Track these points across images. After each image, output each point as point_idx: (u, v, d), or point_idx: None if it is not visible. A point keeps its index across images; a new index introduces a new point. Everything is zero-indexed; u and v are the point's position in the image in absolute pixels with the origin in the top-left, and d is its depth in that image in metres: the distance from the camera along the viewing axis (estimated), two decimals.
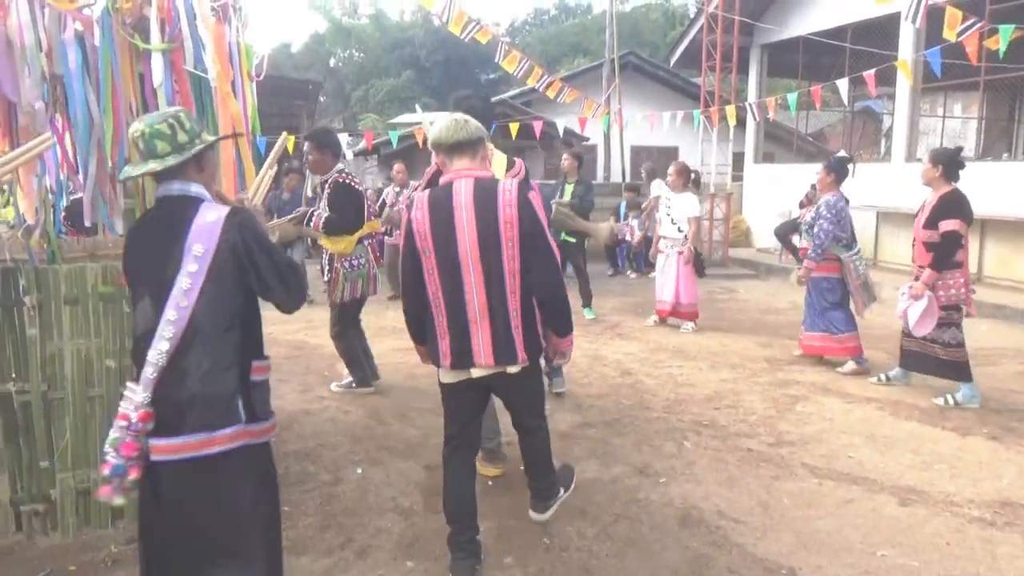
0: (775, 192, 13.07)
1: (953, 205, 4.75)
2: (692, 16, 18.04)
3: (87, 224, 3.33)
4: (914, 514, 3.36)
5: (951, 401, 4.84)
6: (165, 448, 1.98)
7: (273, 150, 3.46)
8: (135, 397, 1.98)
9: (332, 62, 41.60)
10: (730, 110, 10.35)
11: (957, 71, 10.14)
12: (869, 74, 7.96)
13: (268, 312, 2.24)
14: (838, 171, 5.70)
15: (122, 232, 3.23)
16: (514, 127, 10.91)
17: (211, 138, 2.23)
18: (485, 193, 2.65)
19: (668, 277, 7.23)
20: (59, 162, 3.65)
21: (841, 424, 4.53)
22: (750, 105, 11.18)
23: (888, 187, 10.89)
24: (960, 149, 5.08)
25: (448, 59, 35.80)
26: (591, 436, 4.30)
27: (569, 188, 7.49)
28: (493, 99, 13.26)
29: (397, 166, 9.20)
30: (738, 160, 14.37)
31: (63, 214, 4.64)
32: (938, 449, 4.13)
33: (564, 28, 41.31)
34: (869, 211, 10.90)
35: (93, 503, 3.10)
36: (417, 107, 5.66)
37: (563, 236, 6.91)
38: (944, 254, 4.73)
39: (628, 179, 15.01)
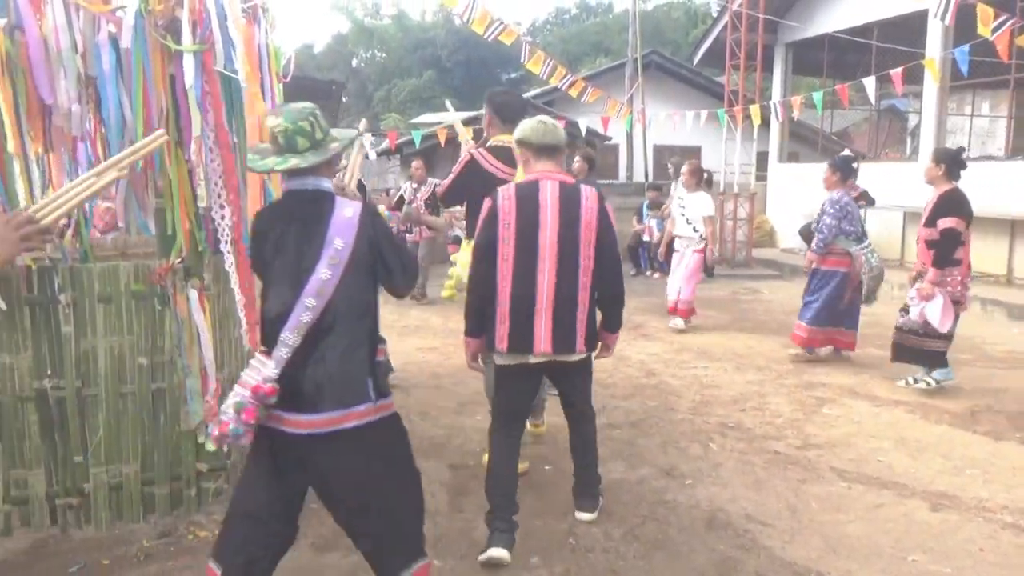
0: (799, 192, 12.90)
1: (952, 203, 4.86)
2: (714, 15, 17.93)
3: (120, 225, 3.38)
4: (946, 519, 3.31)
5: (931, 383, 5.05)
6: (305, 423, 2.12)
7: (356, 139, 3.42)
8: (265, 370, 2.10)
9: (354, 62, 41.96)
10: (754, 109, 10.24)
11: (986, 69, 9.96)
12: (896, 72, 7.85)
13: None
14: (843, 170, 6.00)
15: (154, 232, 3.27)
16: None
17: (349, 135, 2.45)
18: (569, 196, 2.95)
19: (677, 275, 7.26)
20: (92, 163, 3.70)
21: (869, 427, 4.48)
22: (774, 104, 11.04)
23: (915, 187, 10.63)
24: (962, 149, 5.30)
25: (469, 59, 35.94)
26: (616, 437, 4.29)
27: None
28: None
29: (415, 163, 9.10)
30: (762, 159, 14.22)
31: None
32: (970, 453, 4.07)
33: (585, 27, 41.33)
34: (896, 211, 10.67)
35: (125, 498, 3.15)
36: (448, 103, 5.63)
37: None
38: (944, 252, 4.83)
39: (651, 179, 14.93)
